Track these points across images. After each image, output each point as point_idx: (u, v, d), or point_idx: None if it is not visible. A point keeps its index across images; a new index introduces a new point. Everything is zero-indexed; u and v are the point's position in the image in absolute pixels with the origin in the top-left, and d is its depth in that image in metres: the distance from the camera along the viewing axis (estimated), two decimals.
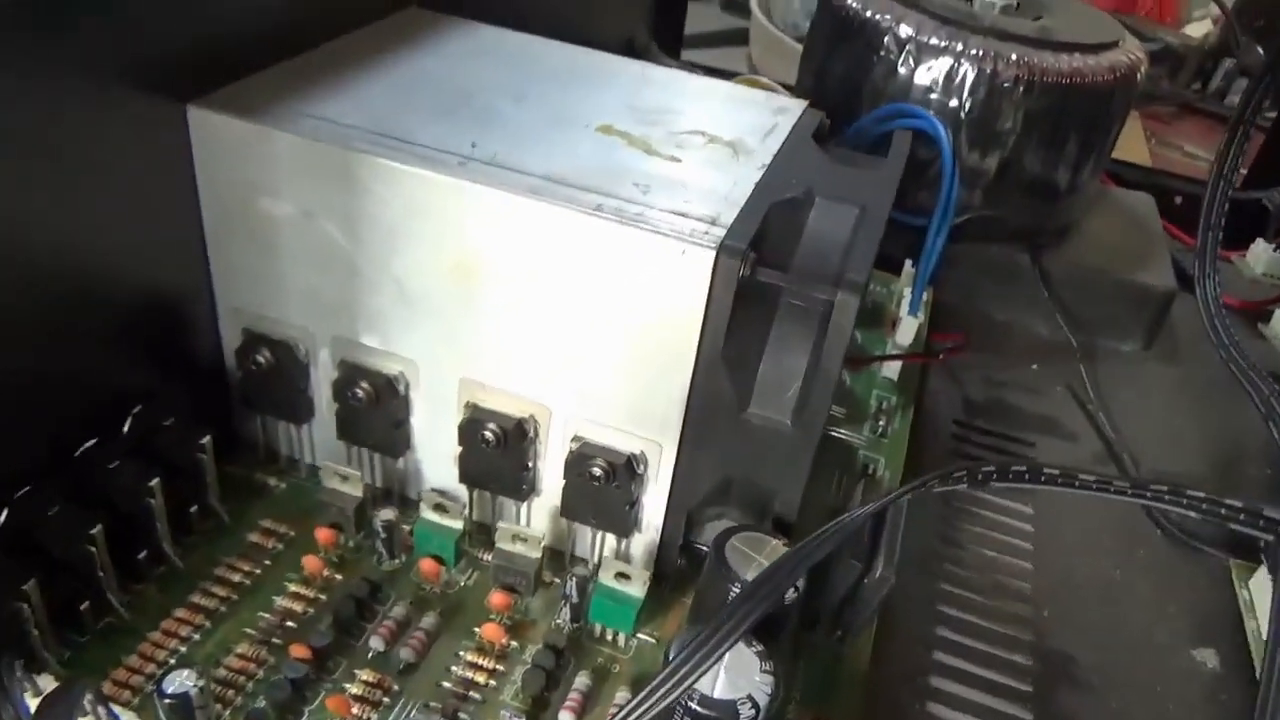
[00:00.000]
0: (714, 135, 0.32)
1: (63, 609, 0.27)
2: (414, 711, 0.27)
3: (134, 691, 0.27)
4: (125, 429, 0.30)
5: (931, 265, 0.44)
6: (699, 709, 0.23)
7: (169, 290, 0.31)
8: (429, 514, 0.31)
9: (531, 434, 0.30)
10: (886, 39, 0.50)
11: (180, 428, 0.30)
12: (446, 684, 0.28)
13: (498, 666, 0.29)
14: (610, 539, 0.32)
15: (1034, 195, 0.53)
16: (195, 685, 0.25)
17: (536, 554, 0.30)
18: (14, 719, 0.23)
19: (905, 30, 0.50)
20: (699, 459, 0.29)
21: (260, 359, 0.32)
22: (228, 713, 0.26)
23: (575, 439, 0.30)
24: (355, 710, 0.27)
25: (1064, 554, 0.41)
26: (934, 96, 0.50)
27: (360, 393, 0.31)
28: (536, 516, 0.32)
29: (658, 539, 0.31)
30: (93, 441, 0.28)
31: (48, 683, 0.25)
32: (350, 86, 0.31)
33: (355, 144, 0.27)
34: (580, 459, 0.30)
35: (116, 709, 0.24)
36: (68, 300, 0.27)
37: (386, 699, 0.28)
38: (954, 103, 0.49)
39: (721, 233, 0.26)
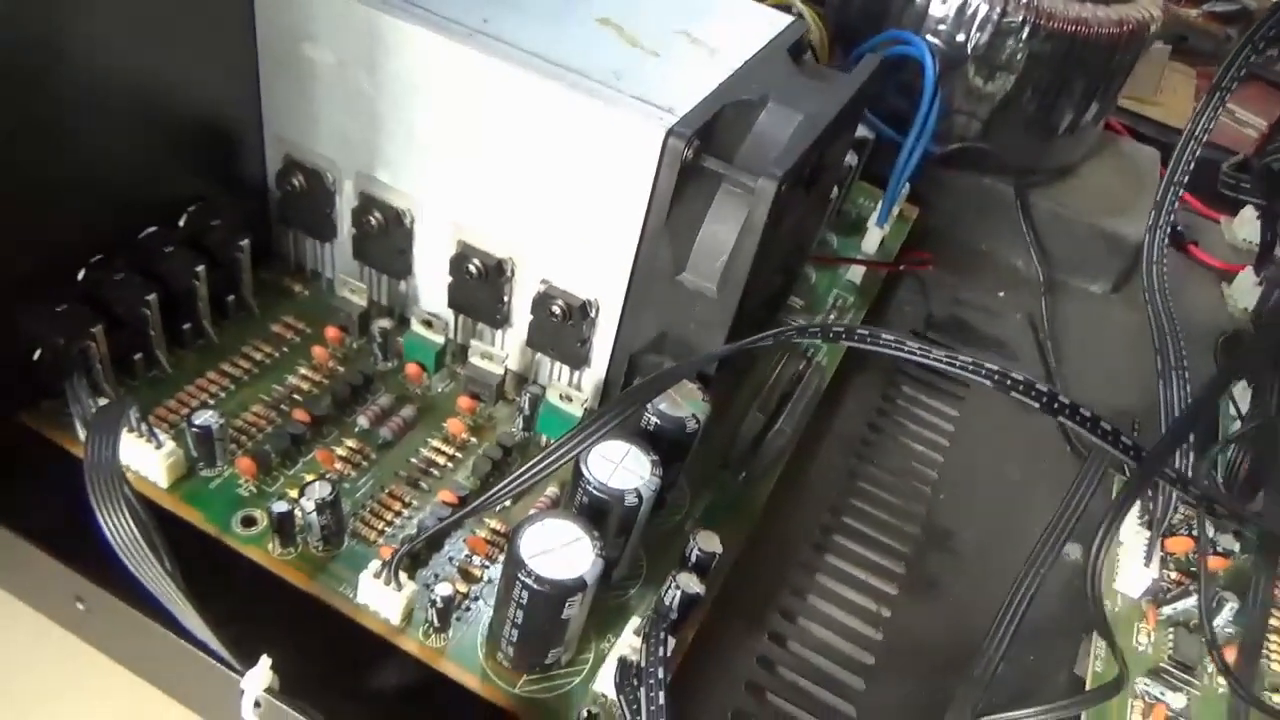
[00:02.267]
0: (699, 38, 0.36)
1: (120, 359, 0.34)
2: (384, 475, 0.34)
3: (170, 426, 0.34)
4: (181, 223, 0.36)
5: (901, 181, 0.48)
6: (595, 491, 0.30)
7: (227, 113, 0.37)
8: (418, 328, 0.37)
9: (508, 273, 0.36)
10: None
11: (226, 229, 0.37)
12: (413, 460, 0.35)
13: (456, 454, 0.36)
14: (565, 370, 0.38)
15: (1029, 135, 0.56)
16: (217, 422, 0.32)
17: (499, 370, 0.37)
18: (80, 415, 0.30)
19: None
20: (640, 311, 0.35)
21: (295, 182, 0.38)
22: (240, 451, 0.34)
23: (543, 281, 0.36)
24: (338, 465, 0.34)
25: (975, 453, 0.46)
26: (944, 28, 0.53)
27: (373, 220, 0.37)
28: (509, 344, 0.38)
29: (604, 375, 0.37)
30: (153, 229, 0.35)
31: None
32: None
33: (382, 4, 0.33)
34: (545, 298, 0.36)
35: (156, 430, 0.32)
36: (146, 110, 0.33)
37: (364, 463, 0.35)
38: (961, 36, 0.53)
39: (674, 120, 0.31)
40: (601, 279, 0.35)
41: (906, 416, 0.48)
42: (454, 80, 0.33)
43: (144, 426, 0.31)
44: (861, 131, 0.50)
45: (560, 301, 0.35)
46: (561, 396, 0.36)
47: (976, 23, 0.52)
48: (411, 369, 0.37)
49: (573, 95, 0.31)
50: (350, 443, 0.35)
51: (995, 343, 0.54)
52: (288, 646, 0.29)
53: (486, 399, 0.37)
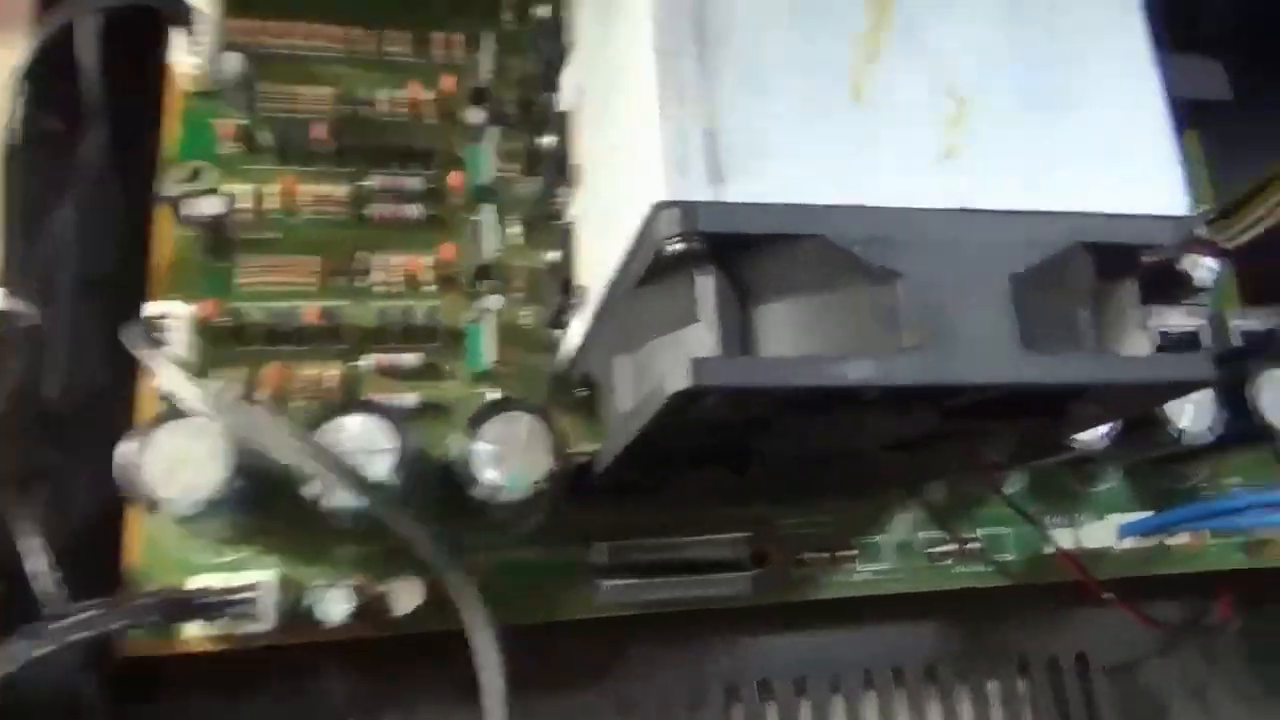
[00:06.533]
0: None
1: None
2: (326, 240, 0.32)
3: None
4: None
5: (1181, 524, 0.31)
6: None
7: None
8: (487, 164, 0.32)
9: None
10: None
11: None
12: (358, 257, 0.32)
13: (391, 285, 0.32)
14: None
15: None
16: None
17: (491, 257, 0.31)
18: None
19: None
20: (593, 346, 0.27)
21: None
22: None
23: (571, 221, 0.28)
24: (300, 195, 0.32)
25: None
26: None
27: None
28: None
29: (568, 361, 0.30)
30: None
31: None
32: None
33: None
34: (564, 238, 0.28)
35: None
36: None
37: (329, 214, 0.32)
38: None
39: (704, 197, 0.20)
40: (590, 278, 0.26)
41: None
42: None
43: None
44: None
45: (562, 257, 0.28)
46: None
47: None
48: (455, 177, 0.32)
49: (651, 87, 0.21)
50: (339, 189, 0.32)
51: None
52: None
53: (466, 269, 0.32)
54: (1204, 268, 0.33)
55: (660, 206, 0.20)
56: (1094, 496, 0.35)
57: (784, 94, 0.21)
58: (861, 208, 0.21)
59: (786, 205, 0.21)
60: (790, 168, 0.21)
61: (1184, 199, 0.24)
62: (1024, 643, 0.36)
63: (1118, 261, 0.23)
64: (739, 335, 0.21)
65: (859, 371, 0.20)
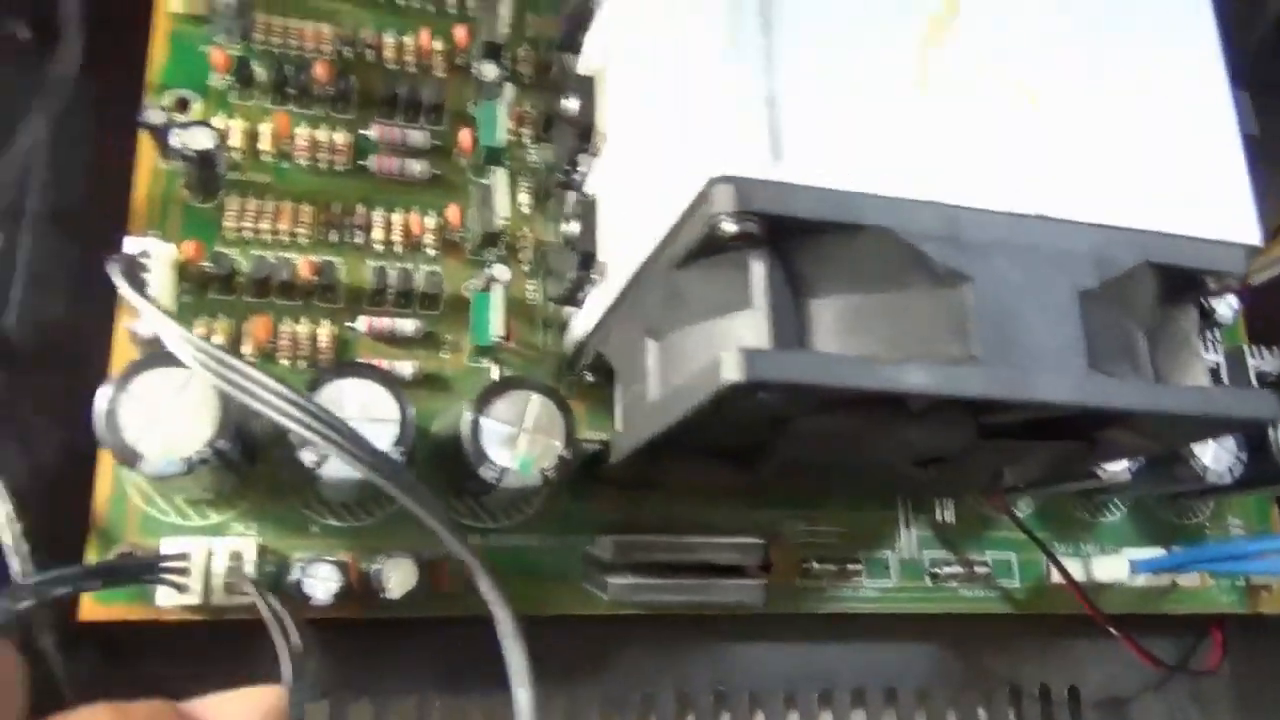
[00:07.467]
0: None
1: None
2: (330, 189, 0.30)
3: None
4: None
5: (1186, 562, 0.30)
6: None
7: None
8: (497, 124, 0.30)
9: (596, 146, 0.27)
10: None
11: None
12: (368, 215, 0.30)
13: (394, 244, 0.30)
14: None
15: None
16: None
17: (500, 223, 0.29)
18: None
19: None
20: (615, 327, 0.25)
21: None
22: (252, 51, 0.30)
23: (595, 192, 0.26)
24: (302, 141, 0.29)
25: None
26: None
27: None
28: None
29: (578, 342, 0.28)
30: None
31: None
32: None
33: None
34: (583, 210, 0.26)
35: None
36: None
37: (332, 161, 0.30)
38: None
39: (760, 177, 0.19)
40: (615, 252, 0.25)
41: None
42: None
43: None
44: None
45: (582, 229, 0.26)
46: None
47: None
48: (465, 135, 0.30)
49: (716, 40, 0.19)
50: (339, 136, 0.30)
51: None
52: None
53: (471, 234, 0.30)
54: (1226, 304, 0.33)
55: (716, 181, 0.19)
56: (1101, 528, 0.34)
57: (848, 69, 0.20)
58: (934, 203, 0.20)
59: (854, 193, 0.19)
60: (856, 151, 0.19)
61: (1256, 226, 0.23)
62: (1018, 671, 0.35)
63: (1181, 286, 0.22)
64: (792, 328, 0.19)
65: (922, 379, 0.18)
